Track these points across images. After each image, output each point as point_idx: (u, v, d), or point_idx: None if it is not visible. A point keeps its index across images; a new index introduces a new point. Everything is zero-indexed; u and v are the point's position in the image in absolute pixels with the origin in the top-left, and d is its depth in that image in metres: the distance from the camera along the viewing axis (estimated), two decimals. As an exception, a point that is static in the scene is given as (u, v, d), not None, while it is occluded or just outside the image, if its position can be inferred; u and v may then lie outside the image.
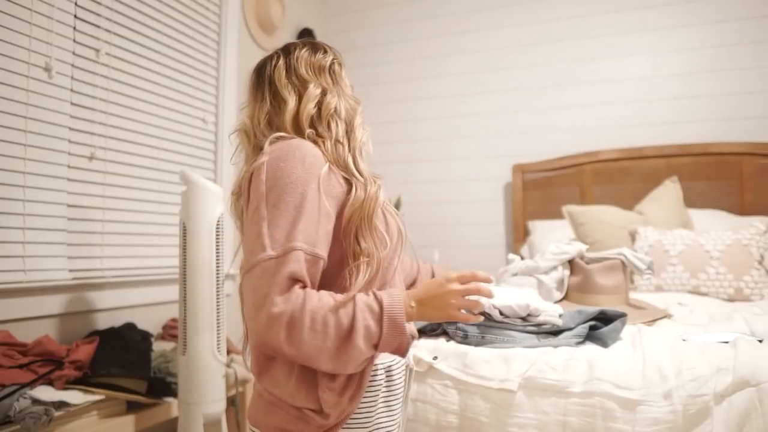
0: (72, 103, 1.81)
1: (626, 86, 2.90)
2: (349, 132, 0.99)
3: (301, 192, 0.84)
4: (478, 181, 3.19)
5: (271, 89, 1.00)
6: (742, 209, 2.59)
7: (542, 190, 3.01)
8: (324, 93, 0.99)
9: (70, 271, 1.79)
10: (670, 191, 2.55)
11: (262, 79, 1.03)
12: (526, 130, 3.10)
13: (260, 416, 0.90)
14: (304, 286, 0.82)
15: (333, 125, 0.97)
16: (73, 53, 1.81)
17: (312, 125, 0.97)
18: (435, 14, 3.32)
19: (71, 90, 1.80)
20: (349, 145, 0.98)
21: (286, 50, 1.04)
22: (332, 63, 1.04)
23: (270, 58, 1.04)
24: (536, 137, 3.08)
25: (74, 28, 1.81)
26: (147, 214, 2.13)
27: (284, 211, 0.83)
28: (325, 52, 1.04)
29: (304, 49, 1.03)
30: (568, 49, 3.02)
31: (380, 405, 0.93)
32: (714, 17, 2.75)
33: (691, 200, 2.60)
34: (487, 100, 3.19)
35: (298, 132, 0.96)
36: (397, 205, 3.11)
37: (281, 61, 1.01)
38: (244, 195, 0.92)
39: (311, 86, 0.98)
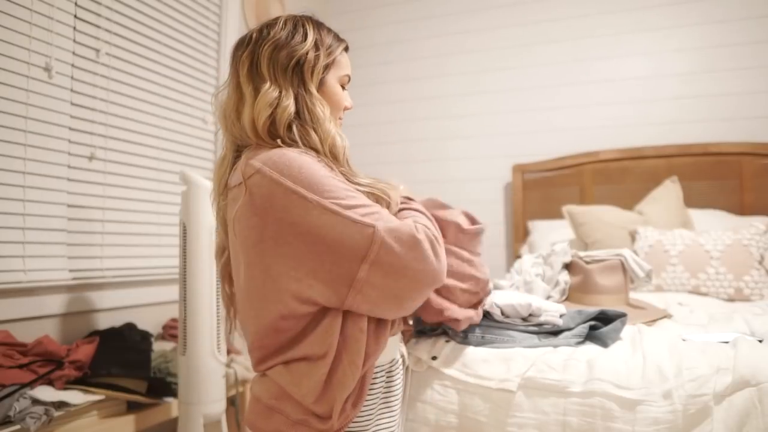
0: (72, 103, 1.81)
1: (626, 86, 2.90)
2: (322, 140, 0.90)
3: (334, 178, 0.85)
4: (478, 181, 3.19)
5: (236, 81, 0.93)
6: (742, 209, 2.59)
7: (542, 190, 3.01)
8: (280, 95, 0.89)
9: (70, 271, 1.79)
10: (670, 191, 2.55)
11: (232, 65, 0.95)
12: (526, 130, 3.10)
13: (258, 421, 0.87)
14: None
15: (302, 132, 0.90)
16: (73, 53, 1.81)
17: (273, 133, 0.89)
18: (434, 14, 3.32)
19: (71, 90, 1.80)
20: (328, 155, 0.90)
21: (260, 34, 0.94)
22: (304, 55, 0.92)
23: (242, 41, 0.96)
24: (536, 137, 3.08)
25: (74, 28, 1.81)
26: (147, 214, 2.13)
27: (345, 196, 0.82)
28: (305, 38, 0.93)
29: (281, 33, 0.92)
30: (567, 49, 3.02)
31: (380, 406, 0.93)
32: (715, 17, 2.75)
33: (691, 200, 2.60)
34: (487, 100, 3.19)
35: (259, 140, 0.89)
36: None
37: (248, 51, 0.92)
38: (248, 200, 0.84)
39: (265, 87, 0.89)
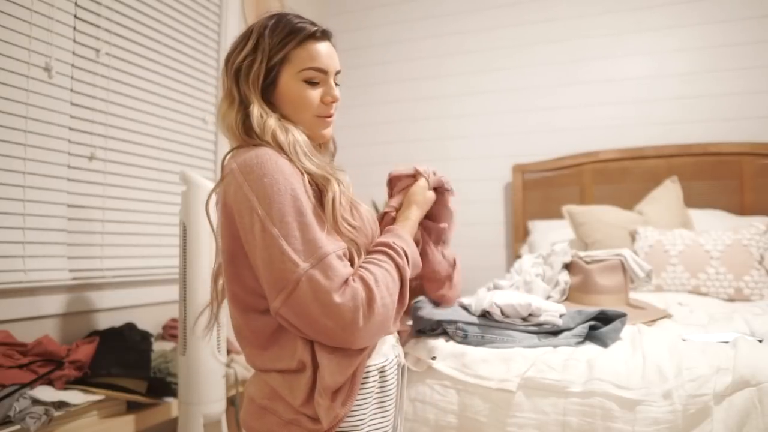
0: (72, 103, 1.81)
1: (626, 86, 2.90)
2: (264, 133, 0.92)
3: (294, 199, 0.84)
4: (478, 181, 3.19)
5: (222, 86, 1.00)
6: (742, 209, 2.59)
7: (542, 190, 3.01)
8: (233, 102, 0.95)
9: (70, 271, 1.79)
10: (670, 191, 2.55)
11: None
12: (526, 130, 3.10)
13: (252, 421, 0.90)
14: (351, 278, 0.85)
15: (260, 132, 0.91)
16: (73, 53, 1.81)
17: (247, 133, 0.92)
18: (434, 14, 3.32)
19: (71, 90, 1.80)
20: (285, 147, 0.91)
21: (234, 44, 0.99)
22: (240, 63, 0.93)
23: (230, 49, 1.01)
24: (536, 137, 3.07)
25: (74, 28, 1.81)
26: (147, 214, 2.13)
27: (292, 222, 0.83)
28: (244, 46, 0.94)
29: (236, 44, 0.97)
30: (568, 49, 3.02)
31: (373, 406, 0.93)
32: (716, 17, 2.75)
33: (691, 200, 2.60)
34: (487, 100, 3.19)
35: (240, 140, 0.93)
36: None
37: (228, 59, 0.99)
38: (222, 198, 0.90)
39: (222, 96, 0.98)
